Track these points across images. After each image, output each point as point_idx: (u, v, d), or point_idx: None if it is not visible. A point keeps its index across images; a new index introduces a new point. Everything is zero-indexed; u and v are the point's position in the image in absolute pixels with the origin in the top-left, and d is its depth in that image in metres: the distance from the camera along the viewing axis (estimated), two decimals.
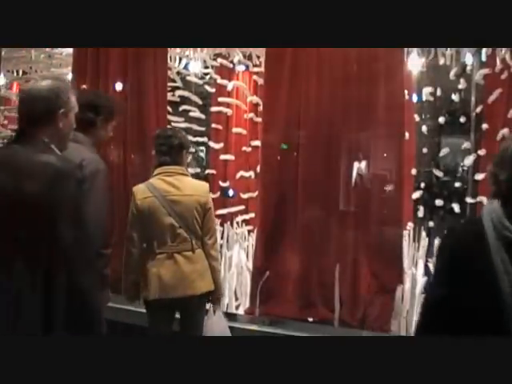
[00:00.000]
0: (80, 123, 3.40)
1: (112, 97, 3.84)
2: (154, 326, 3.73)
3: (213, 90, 6.73)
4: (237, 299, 5.09)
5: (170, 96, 5.94)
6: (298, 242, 4.60)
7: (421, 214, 5.60)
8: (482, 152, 5.69)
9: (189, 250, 3.62)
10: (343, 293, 4.46)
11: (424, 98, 6.08)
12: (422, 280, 4.88)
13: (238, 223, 6.46)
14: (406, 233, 5.27)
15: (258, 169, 6.24)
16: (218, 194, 6.67)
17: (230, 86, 6.40)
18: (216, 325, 3.97)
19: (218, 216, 6.33)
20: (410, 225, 5.50)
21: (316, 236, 4.57)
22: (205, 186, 3.83)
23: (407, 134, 5.34)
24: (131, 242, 3.62)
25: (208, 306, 3.84)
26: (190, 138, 6.47)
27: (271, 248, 4.67)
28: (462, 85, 5.65)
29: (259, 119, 6.39)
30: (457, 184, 6.83)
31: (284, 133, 4.71)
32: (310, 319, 4.50)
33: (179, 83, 6.34)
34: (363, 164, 4.70)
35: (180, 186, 3.62)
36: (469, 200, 5.87)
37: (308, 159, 4.62)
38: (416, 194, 5.60)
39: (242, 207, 6.58)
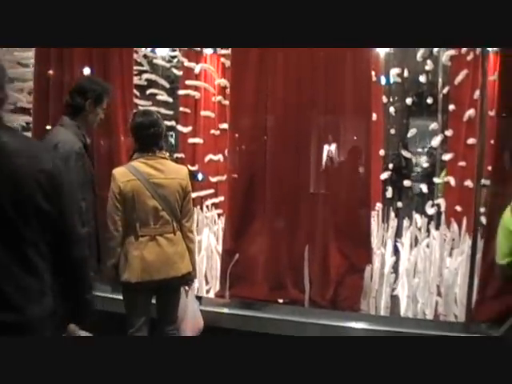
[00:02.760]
0: (69, 108, 3.52)
1: (101, 80, 3.83)
2: (133, 309, 3.69)
3: (180, 73, 6.67)
4: (207, 283, 5.09)
5: (137, 80, 5.88)
6: (267, 224, 4.59)
7: (389, 194, 5.65)
8: (449, 133, 5.76)
9: (170, 232, 3.65)
10: (313, 274, 4.47)
11: (392, 80, 6.11)
12: (390, 260, 4.94)
13: (207, 207, 6.45)
14: (374, 213, 5.31)
15: (227, 152, 6.25)
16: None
17: (197, 68, 6.35)
18: (189, 306, 4.00)
19: None
20: (379, 205, 5.54)
21: (285, 218, 4.56)
22: (184, 169, 3.86)
23: (375, 116, 5.38)
24: (114, 225, 3.58)
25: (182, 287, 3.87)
26: None
27: (240, 231, 4.66)
28: (428, 66, 5.69)
29: (227, 102, 6.39)
30: (424, 164, 6.91)
31: (252, 116, 4.68)
32: (281, 301, 4.51)
33: (146, 66, 6.28)
34: (333, 147, 4.71)
35: (163, 170, 3.64)
36: (436, 180, 5.95)
37: (276, 142, 4.60)
38: (384, 175, 5.64)
39: (211, 191, 6.56)
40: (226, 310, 4.49)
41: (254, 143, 4.69)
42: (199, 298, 4.48)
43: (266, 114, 4.62)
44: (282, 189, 4.57)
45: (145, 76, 6.20)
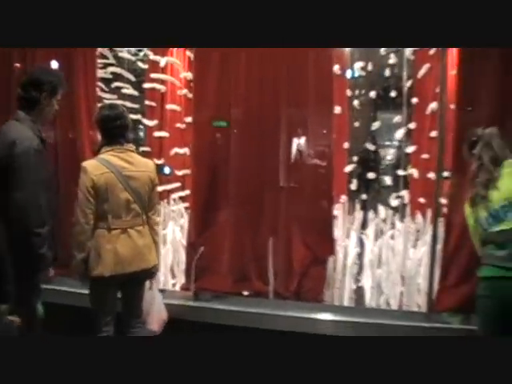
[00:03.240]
0: (23, 101, 3.41)
1: (55, 71, 3.76)
2: (102, 304, 3.67)
3: (146, 67, 6.63)
4: (174, 276, 5.10)
5: (102, 73, 5.84)
6: (232, 217, 4.62)
7: (354, 187, 5.70)
8: (412, 125, 5.83)
9: (140, 225, 3.69)
10: (277, 266, 4.52)
11: (356, 74, 6.15)
12: (353, 251, 4.99)
13: (174, 200, 6.45)
14: (339, 206, 5.36)
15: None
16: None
17: (162, 62, 6.31)
18: (155, 299, 4.02)
19: None
20: (344, 198, 5.59)
21: (249, 212, 4.60)
22: (151, 162, 3.91)
23: (340, 109, 5.41)
24: (85, 218, 3.54)
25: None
26: None
27: (205, 224, 4.68)
28: (392, 60, 5.75)
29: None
30: (389, 157, 6.97)
31: (216, 110, 4.70)
32: (245, 293, 4.56)
33: (111, 60, 6.23)
34: (295, 140, 4.76)
35: (133, 162, 3.66)
36: (400, 172, 6.01)
37: (239, 136, 4.63)
38: (349, 168, 5.69)
39: (177, 184, 6.55)
40: (191, 303, 4.50)
41: (217, 137, 4.70)
42: (162, 291, 4.50)
43: (229, 108, 4.65)
44: (246, 182, 4.61)
45: (110, 69, 6.16)
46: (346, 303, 4.54)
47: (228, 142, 4.63)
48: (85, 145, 4.98)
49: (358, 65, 5.89)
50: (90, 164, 3.58)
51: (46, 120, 3.56)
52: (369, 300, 4.66)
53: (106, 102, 5.65)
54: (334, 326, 4.17)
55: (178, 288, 4.91)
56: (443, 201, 4.44)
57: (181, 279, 5.01)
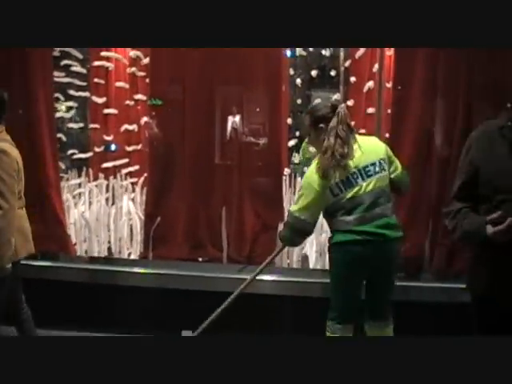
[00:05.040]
0: None
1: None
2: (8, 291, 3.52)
3: None
4: (131, 246, 5.35)
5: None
6: (186, 189, 4.92)
7: (296, 160, 6.07)
8: (350, 103, 6.22)
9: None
10: (230, 233, 4.84)
11: (297, 53, 6.48)
12: None
13: (121, 176, 6.61)
14: (283, 178, 5.71)
15: (142, 122, 6.46)
16: (102, 148, 6.79)
17: None
18: None
19: (103, 169, 6.50)
20: (287, 170, 5.94)
21: (203, 183, 4.89)
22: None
23: (283, 87, 5.74)
24: (15, 200, 3.41)
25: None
26: (73, 92, 6.56)
27: (161, 195, 4.97)
28: None
29: (141, 73, 6.57)
30: None
31: (169, 87, 4.95)
32: (200, 259, 4.87)
33: None
34: (238, 118, 5.08)
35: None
36: None
37: (192, 112, 4.91)
38: (291, 142, 6.03)
39: (126, 160, 6.72)
40: (149, 270, 4.77)
41: (173, 114, 4.96)
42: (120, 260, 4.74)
43: (182, 85, 4.91)
44: (199, 156, 4.89)
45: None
46: (294, 266, 4.90)
47: (182, 117, 4.89)
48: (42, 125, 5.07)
49: None
50: (7, 146, 3.44)
51: None
52: (313, 263, 5.02)
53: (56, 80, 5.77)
54: (282, 287, 4.54)
55: (134, 257, 5.16)
56: None
57: (136, 249, 5.28)
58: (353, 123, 5.95)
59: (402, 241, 3.60)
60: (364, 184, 3.34)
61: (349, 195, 3.33)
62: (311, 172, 3.42)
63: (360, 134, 3.79)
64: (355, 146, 3.40)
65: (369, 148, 3.44)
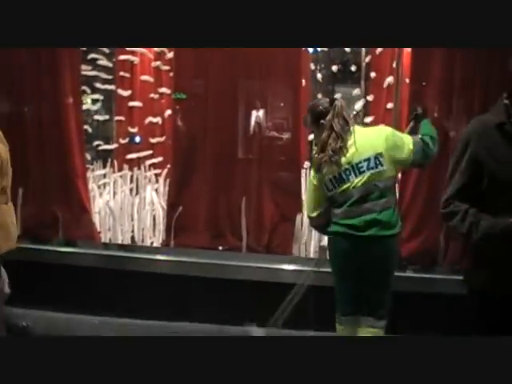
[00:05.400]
0: None
1: None
2: None
3: None
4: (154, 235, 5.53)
5: None
6: (208, 179, 5.07)
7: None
8: (370, 97, 6.33)
9: None
10: (249, 223, 4.98)
11: (319, 49, 6.59)
12: None
13: (145, 167, 6.77)
14: (304, 171, 5.82)
15: (166, 115, 6.62)
16: (127, 139, 6.97)
17: None
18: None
19: (127, 161, 6.68)
20: (307, 163, 6.05)
21: (223, 174, 5.04)
22: None
23: (304, 82, 5.85)
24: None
25: None
26: (99, 85, 6.74)
27: (183, 186, 5.12)
28: None
29: (165, 67, 6.73)
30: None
31: (193, 82, 5.09)
32: (220, 248, 5.02)
33: None
34: (261, 112, 5.21)
35: None
36: None
37: (216, 106, 5.05)
38: (311, 136, 6.13)
39: (149, 152, 6.88)
40: (172, 258, 4.93)
41: (196, 108, 5.11)
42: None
43: (205, 80, 5.06)
44: (221, 149, 5.04)
45: None
46: (311, 256, 5.01)
47: (205, 112, 5.03)
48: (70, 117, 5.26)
49: None
50: None
51: None
52: None
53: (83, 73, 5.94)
54: (300, 276, 4.65)
55: (156, 244, 5.34)
56: None
57: (158, 238, 5.45)
58: (372, 118, 6.22)
59: (397, 239, 3.47)
60: (356, 180, 3.33)
61: (341, 190, 3.35)
62: (311, 170, 3.53)
63: (366, 124, 3.70)
64: (350, 141, 3.37)
65: (366, 142, 3.38)
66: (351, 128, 3.42)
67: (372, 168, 3.32)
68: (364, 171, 3.32)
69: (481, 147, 2.39)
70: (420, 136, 3.51)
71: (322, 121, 3.44)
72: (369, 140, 3.41)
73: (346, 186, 3.34)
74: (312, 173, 3.49)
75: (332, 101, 3.47)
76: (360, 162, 3.33)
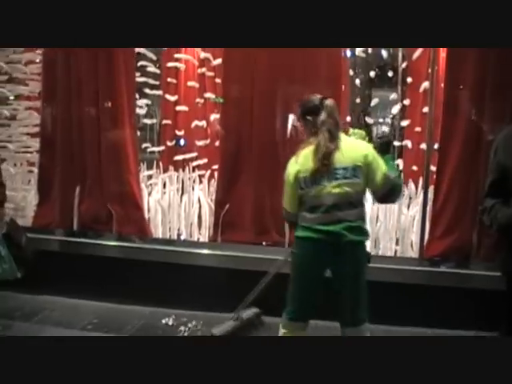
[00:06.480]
0: None
1: None
2: None
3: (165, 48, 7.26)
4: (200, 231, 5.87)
5: None
6: (253, 179, 5.38)
7: None
8: (406, 102, 6.57)
9: None
10: None
11: (357, 54, 6.85)
12: None
13: (190, 169, 7.10)
14: None
15: (211, 118, 6.96)
16: (174, 142, 7.35)
17: None
18: None
19: (173, 162, 7.04)
20: None
21: (268, 173, 5.30)
22: None
23: (343, 87, 6.11)
24: None
25: None
26: (147, 90, 7.10)
27: (230, 185, 5.43)
28: None
29: (210, 74, 7.08)
30: (385, 129, 7.66)
31: (240, 88, 5.40)
32: (264, 243, 5.33)
33: None
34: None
35: None
36: (396, 143, 6.75)
37: (261, 110, 5.35)
38: None
39: (195, 154, 7.23)
40: (219, 252, 5.24)
41: (243, 112, 5.40)
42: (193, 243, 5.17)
43: (252, 86, 5.35)
44: (265, 151, 5.33)
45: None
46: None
47: (251, 115, 5.33)
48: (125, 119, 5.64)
49: None
50: None
51: None
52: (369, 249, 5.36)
53: None
54: None
55: (203, 240, 5.68)
56: (433, 168, 5.16)
57: (205, 234, 5.79)
58: (408, 121, 6.45)
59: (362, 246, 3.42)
60: (328, 185, 3.28)
61: (312, 193, 3.32)
62: (289, 164, 3.47)
63: (346, 132, 3.68)
64: (338, 145, 3.33)
65: (347, 151, 3.33)
66: (339, 132, 3.41)
67: (347, 178, 3.29)
68: (338, 178, 3.28)
69: (506, 151, 2.77)
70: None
71: (308, 117, 3.46)
72: (351, 150, 3.35)
73: (317, 190, 3.30)
74: (288, 169, 3.46)
75: (322, 99, 3.45)
76: (336, 169, 3.29)
